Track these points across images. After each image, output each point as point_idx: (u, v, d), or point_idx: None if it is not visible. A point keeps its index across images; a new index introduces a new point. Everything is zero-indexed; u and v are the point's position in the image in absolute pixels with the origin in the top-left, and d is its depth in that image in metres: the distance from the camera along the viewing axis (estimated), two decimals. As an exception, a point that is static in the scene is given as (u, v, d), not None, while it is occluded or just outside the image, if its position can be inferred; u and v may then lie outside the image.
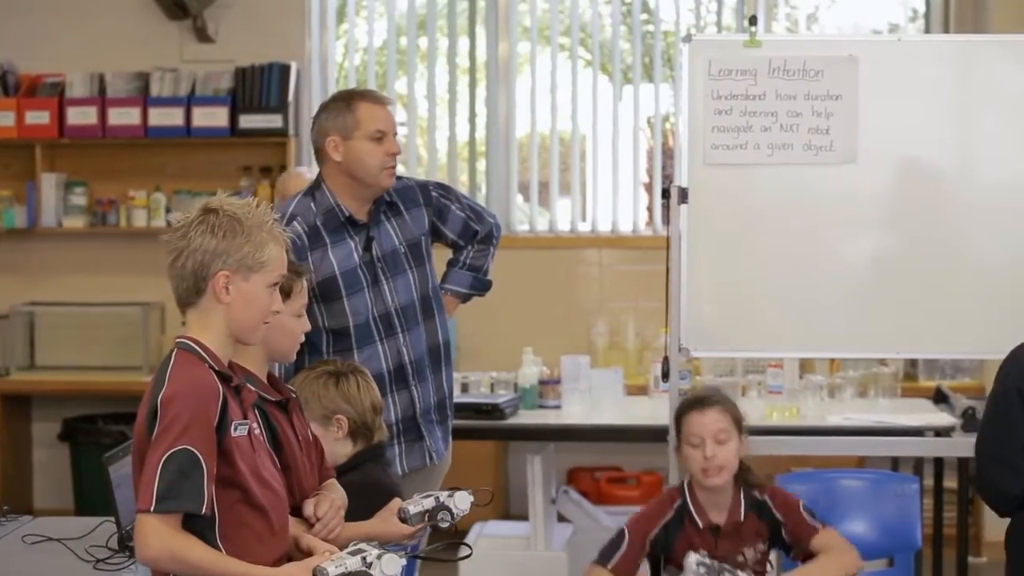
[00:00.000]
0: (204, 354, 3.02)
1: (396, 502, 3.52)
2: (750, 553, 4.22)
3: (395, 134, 4.44)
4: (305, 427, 3.44)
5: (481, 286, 4.82)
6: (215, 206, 3.05)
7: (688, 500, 4.26)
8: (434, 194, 4.60)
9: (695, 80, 5.10)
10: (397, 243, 4.47)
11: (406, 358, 4.44)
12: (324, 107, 4.47)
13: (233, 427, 3.00)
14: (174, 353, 3.03)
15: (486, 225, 4.74)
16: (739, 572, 4.06)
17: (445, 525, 3.48)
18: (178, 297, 3.08)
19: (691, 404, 4.30)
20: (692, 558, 4.00)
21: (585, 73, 8.03)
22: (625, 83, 8.01)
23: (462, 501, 3.49)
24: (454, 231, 4.66)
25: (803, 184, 5.10)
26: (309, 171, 6.66)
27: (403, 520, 3.49)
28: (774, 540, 4.29)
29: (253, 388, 3.22)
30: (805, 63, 5.07)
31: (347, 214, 4.38)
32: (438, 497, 3.50)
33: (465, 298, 4.82)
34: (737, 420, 4.28)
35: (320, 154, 4.44)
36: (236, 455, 3.00)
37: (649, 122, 8.00)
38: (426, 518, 3.49)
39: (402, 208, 4.50)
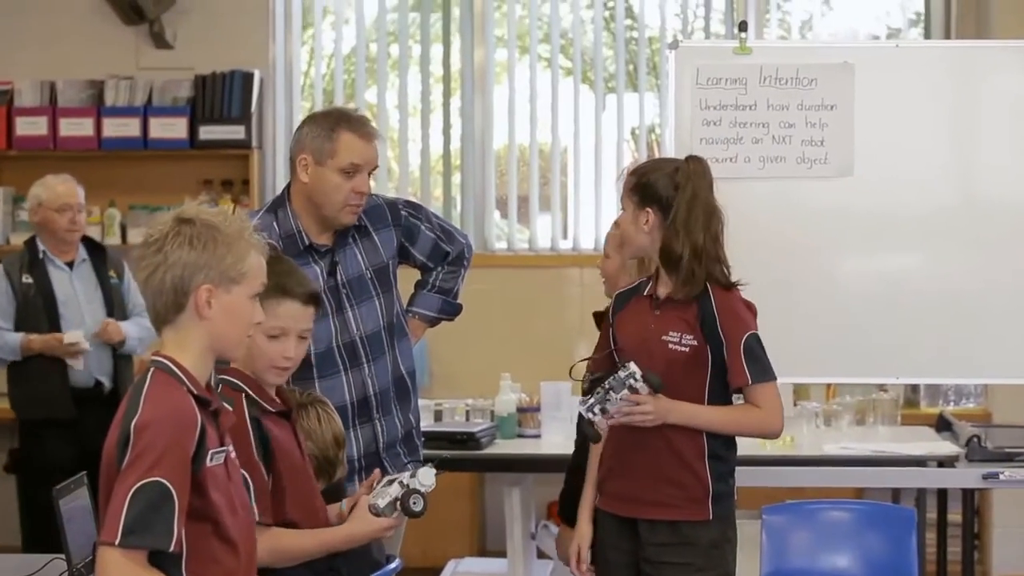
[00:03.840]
0: (182, 376, 2.99)
1: (364, 500, 3.56)
2: (674, 337, 4.14)
3: (372, 171, 4.41)
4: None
5: (451, 310, 4.82)
6: (190, 216, 3.02)
7: (654, 275, 4.27)
8: (403, 213, 4.59)
9: (682, 89, 5.11)
10: (363, 268, 4.46)
11: (371, 390, 4.42)
12: (311, 119, 4.42)
13: (210, 457, 2.97)
14: (150, 374, 2.99)
15: (457, 246, 4.75)
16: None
17: (419, 508, 3.51)
18: (155, 315, 3.04)
19: None
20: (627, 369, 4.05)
21: (566, 82, 8.04)
22: (608, 92, 8.02)
23: (426, 477, 3.52)
24: (423, 252, 4.67)
25: (796, 199, 5.12)
26: (63, 182, 6.54)
27: (376, 515, 3.52)
28: (710, 342, 4.15)
29: (255, 398, 3.30)
30: (798, 71, 5.09)
31: (307, 242, 4.36)
32: (401, 481, 3.54)
33: (433, 322, 4.83)
34: (636, 191, 4.19)
35: (291, 167, 4.44)
36: (210, 487, 2.97)
37: (633, 133, 8.02)
38: (398, 506, 3.52)
39: (371, 229, 4.48)
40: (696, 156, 4.27)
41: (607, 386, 4.06)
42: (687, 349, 4.16)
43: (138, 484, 2.85)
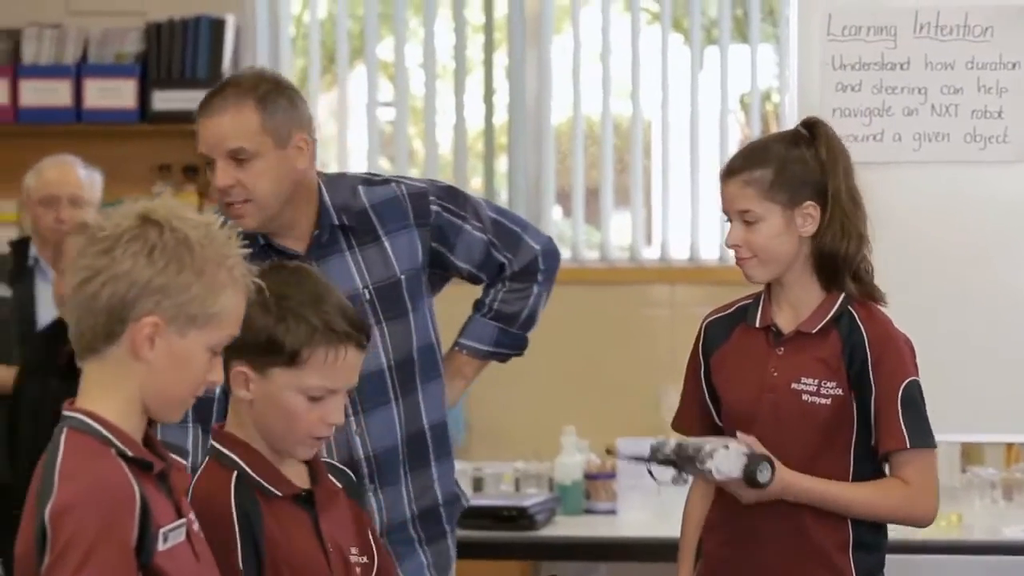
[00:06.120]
0: (109, 435, 2.95)
1: None
2: (810, 385, 4.08)
3: (240, 156, 4.38)
4: None
5: (511, 343, 4.71)
6: (159, 218, 2.97)
7: (762, 296, 4.20)
8: (435, 207, 4.49)
9: (808, 41, 5.15)
10: (359, 286, 4.37)
11: (360, 452, 4.35)
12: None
13: (163, 538, 2.94)
14: (62, 438, 2.95)
15: (525, 253, 4.62)
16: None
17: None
18: (78, 338, 2.99)
19: (724, 167, 4.20)
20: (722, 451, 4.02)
21: (651, 31, 8.09)
22: (708, 45, 8.06)
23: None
24: (471, 260, 4.56)
25: (965, 191, 5.14)
26: (84, 167, 6.51)
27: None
28: (856, 388, 4.09)
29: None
30: (967, 16, 5.12)
31: (262, 242, 4.31)
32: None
33: (486, 359, 4.72)
34: (783, 185, 4.09)
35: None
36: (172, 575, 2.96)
37: (743, 102, 8.06)
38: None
39: (380, 233, 4.43)
40: (814, 118, 4.23)
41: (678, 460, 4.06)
42: (828, 401, 4.08)
43: None
